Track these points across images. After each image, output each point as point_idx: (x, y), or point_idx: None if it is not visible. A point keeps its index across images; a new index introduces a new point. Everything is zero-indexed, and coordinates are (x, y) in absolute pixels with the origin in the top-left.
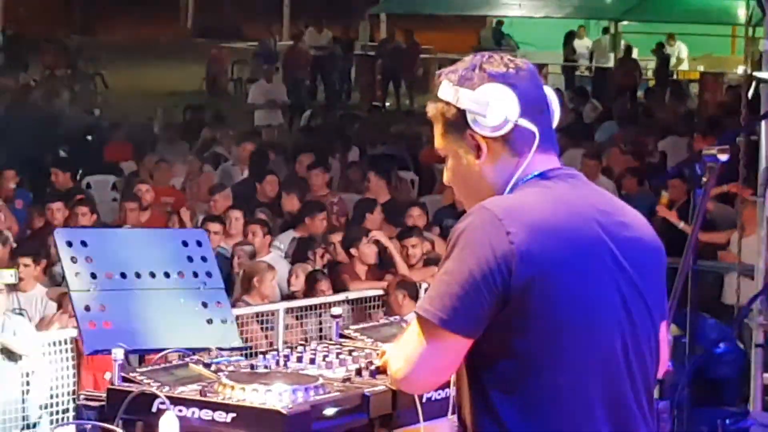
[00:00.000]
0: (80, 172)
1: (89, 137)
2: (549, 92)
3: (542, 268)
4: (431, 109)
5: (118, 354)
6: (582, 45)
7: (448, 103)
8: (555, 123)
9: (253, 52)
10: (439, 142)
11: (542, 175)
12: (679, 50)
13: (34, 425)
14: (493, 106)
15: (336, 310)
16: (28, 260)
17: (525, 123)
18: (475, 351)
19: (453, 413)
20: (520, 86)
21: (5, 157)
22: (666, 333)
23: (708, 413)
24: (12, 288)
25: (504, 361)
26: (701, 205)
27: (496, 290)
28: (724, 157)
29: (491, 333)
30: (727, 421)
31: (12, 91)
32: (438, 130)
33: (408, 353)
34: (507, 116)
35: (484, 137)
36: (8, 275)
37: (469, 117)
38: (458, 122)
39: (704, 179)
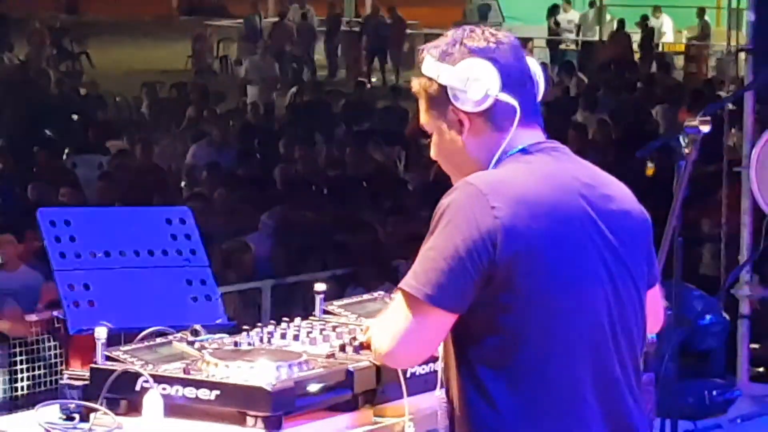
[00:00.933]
0: (66, 151)
1: (75, 116)
2: (533, 65)
3: (528, 243)
4: (415, 84)
5: (101, 333)
6: (565, 19)
7: (430, 79)
8: (540, 96)
9: (239, 29)
10: (423, 117)
11: (525, 150)
12: (663, 23)
13: (24, 406)
14: (473, 82)
15: (319, 286)
16: (10, 237)
17: (506, 98)
18: (461, 327)
19: (441, 387)
20: (501, 60)
21: None
22: (660, 295)
23: (694, 385)
24: None
25: (491, 336)
26: (684, 176)
27: (482, 265)
28: (706, 129)
29: (477, 309)
30: (714, 393)
31: None
32: (422, 105)
33: (393, 328)
34: (487, 91)
35: (465, 113)
36: None
37: (450, 92)
38: (440, 98)
39: (686, 151)
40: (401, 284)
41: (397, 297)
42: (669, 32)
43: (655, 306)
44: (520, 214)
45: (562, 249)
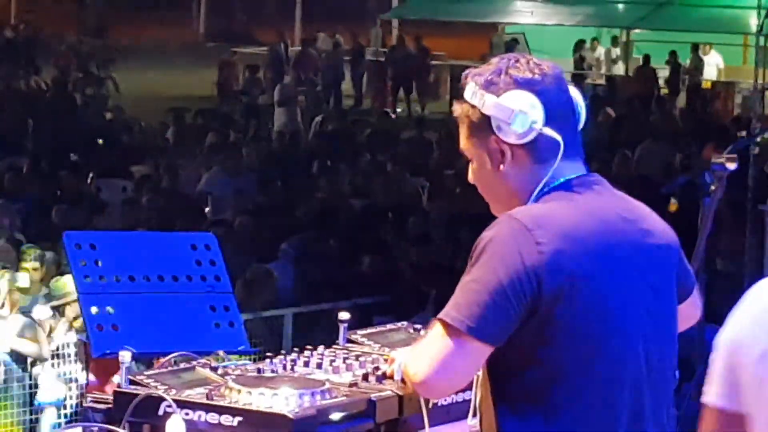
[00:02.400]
0: (91, 175)
1: (100, 141)
2: (575, 95)
3: (571, 279)
4: (457, 108)
5: (125, 357)
6: (592, 55)
7: (473, 106)
8: (581, 125)
9: (265, 57)
10: (464, 143)
11: (567, 184)
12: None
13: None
14: (518, 115)
15: (343, 315)
16: (36, 264)
17: (549, 132)
18: (500, 359)
19: (474, 416)
20: (546, 93)
21: (17, 159)
22: (698, 297)
23: None
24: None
25: (531, 369)
26: (709, 213)
27: (525, 300)
28: (732, 166)
29: (518, 342)
30: None
31: (23, 94)
32: (463, 131)
33: (430, 358)
34: (532, 125)
35: (508, 144)
36: (23, 279)
37: (494, 123)
38: (483, 126)
39: (712, 188)
40: (441, 315)
41: (436, 327)
42: (713, 69)
43: (693, 307)
44: (565, 249)
45: (605, 285)
